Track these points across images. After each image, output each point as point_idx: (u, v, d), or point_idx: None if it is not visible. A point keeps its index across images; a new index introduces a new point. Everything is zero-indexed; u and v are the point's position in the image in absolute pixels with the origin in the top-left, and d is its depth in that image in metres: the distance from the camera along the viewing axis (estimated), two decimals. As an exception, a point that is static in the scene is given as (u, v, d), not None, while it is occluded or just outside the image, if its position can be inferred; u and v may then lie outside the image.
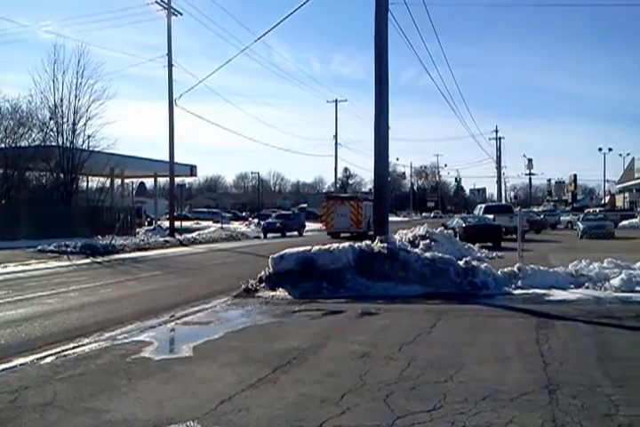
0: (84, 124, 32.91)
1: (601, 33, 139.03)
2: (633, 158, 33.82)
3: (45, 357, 6.89)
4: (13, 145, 32.16)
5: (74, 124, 32.54)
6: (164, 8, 31.02)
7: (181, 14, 32.37)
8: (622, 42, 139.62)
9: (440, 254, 12.29)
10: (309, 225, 50.17)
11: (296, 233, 39.69)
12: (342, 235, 32.80)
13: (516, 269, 11.84)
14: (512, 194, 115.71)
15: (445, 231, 21.27)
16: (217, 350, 7.10)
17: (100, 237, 26.88)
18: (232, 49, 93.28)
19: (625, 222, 42.76)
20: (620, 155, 77.25)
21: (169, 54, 31.31)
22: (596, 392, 5.04)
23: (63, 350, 7.19)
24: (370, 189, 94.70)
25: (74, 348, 7.34)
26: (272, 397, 5.20)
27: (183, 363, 6.50)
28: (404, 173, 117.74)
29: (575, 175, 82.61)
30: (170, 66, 31.23)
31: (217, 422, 4.60)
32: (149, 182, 63.91)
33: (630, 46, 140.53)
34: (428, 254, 12.17)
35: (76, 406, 5.07)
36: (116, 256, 22.54)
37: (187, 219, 55.08)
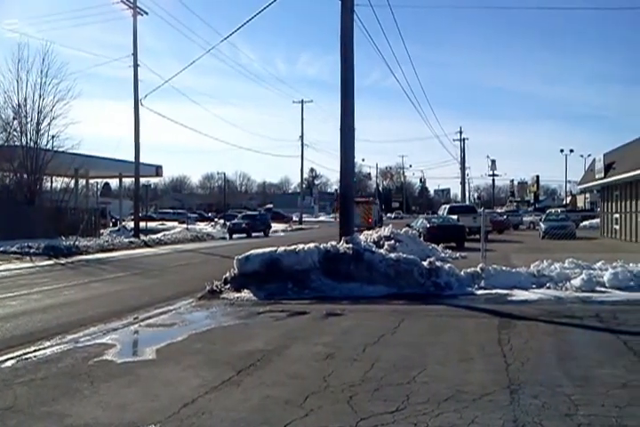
0: (49, 124, 32.22)
1: (565, 35, 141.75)
2: (593, 159, 34.50)
3: (6, 360, 6.77)
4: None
5: (38, 123, 31.84)
6: (130, 7, 30.61)
7: (147, 14, 32.00)
8: (586, 45, 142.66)
9: (404, 255, 12.39)
10: (276, 226, 50.11)
11: (262, 234, 39.55)
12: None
13: (478, 269, 12.00)
14: (476, 195, 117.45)
15: (410, 232, 21.44)
16: (180, 352, 7.04)
17: (63, 238, 26.39)
18: (198, 49, 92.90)
19: (586, 223, 43.76)
20: (582, 156, 78.97)
21: (134, 54, 30.91)
22: (557, 392, 5.14)
23: (24, 354, 7.06)
24: (335, 190, 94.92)
25: (35, 351, 7.21)
26: (235, 399, 5.18)
27: (146, 366, 6.43)
28: (369, 174, 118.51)
29: (537, 176, 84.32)
30: (135, 66, 30.85)
31: (180, 425, 4.56)
32: (114, 183, 62.97)
33: (592, 50, 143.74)
34: (392, 255, 12.26)
35: (36, 411, 4.97)
36: (80, 257, 22.18)
37: (152, 220, 54.47)
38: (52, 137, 32.73)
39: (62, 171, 33.45)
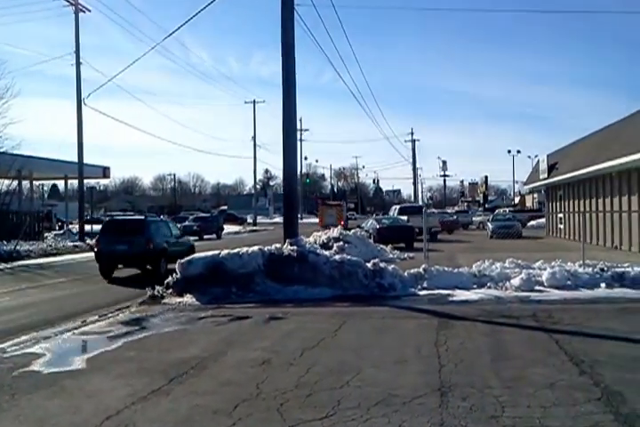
0: (-14, 125, 31.12)
1: (513, 36, 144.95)
2: (538, 160, 35.34)
3: None
4: None
5: (-25, 124, 30.70)
6: (72, 4, 29.83)
7: (90, 11, 31.22)
8: (532, 46, 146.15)
9: (349, 257, 12.39)
10: (230, 227, 49.71)
11: (214, 236, 39.11)
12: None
13: (421, 270, 12.09)
14: (428, 195, 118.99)
15: (359, 233, 21.53)
16: (112, 361, 6.83)
17: (4, 242, 25.50)
18: (146, 47, 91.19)
19: (533, 222, 44.77)
20: (529, 157, 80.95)
21: (77, 52, 30.12)
22: (486, 394, 5.16)
23: (-56, 366, 6.72)
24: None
25: (-43, 363, 6.88)
26: (163, 410, 5.03)
27: (74, 376, 6.21)
28: (323, 175, 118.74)
29: (486, 177, 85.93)
30: (78, 64, 30.06)
31: (100, 439, 4.40)
32: (62, 184, 61.41)
33: (538, 51, 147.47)
34: (337, 257, 12.24)
35: (-53, 429, 4.73)
36: (21, 262, 21.49)
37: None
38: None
39: (2, 172, 32.30)
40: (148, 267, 16.10)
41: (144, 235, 15.96)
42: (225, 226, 46.41)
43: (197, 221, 40.08)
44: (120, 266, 16.31)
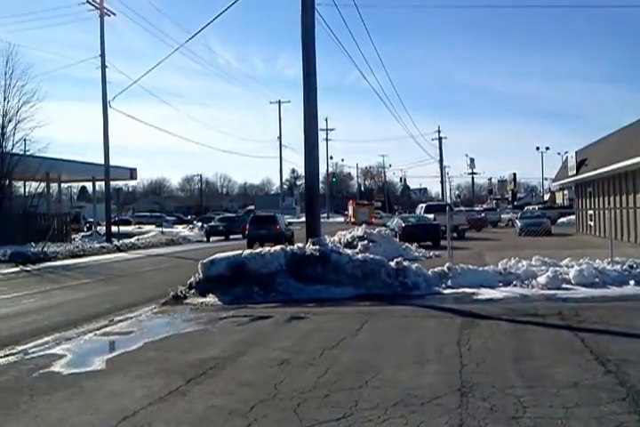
0: (14, 128, 31.69)
1: (541, 33, 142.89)
2: (567, 157, 34.78)
3: (-53, 375, 6.50)
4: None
5: (3, 127, 31.23)
6: (97, 8, 30.19)
7: (114, 14, 31.62)
8: (560, 43, 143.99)
9: (372, 256, 12.27)
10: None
11: (240, 236, 39.22)
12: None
13: (445, 268, 11.92)
14: (456, 193, 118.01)
15: (383, 231, 21.38)
16: (132, 361, 6.83)
17: (32, 244, 25.93)
18: (170, 50, 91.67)
19: (563, 219, 44.03)
20: (559, 153, 79.72)
21: (102, 55, 30.49)
22: (507, 394, 5.02)
23: (-32, 367, 6.79)
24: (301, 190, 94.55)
25: (-20, 364, 6.96)
26: (179, 410, 4.99)
27: (93, 377, 6.22)
28: (350, 174, 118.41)
29: (514, 174, 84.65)
30: (103, 67, 30.45)
31: (115, 440, 4.38)
32: (91, 186, 62.24)
33: (567, 47, 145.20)
34: (359, 256, 12.13)
35: (-34, 429, 4.76)
36: (48, 264, 21.79)
37: (128, 223, 53.93)
38: (24, 140, 32.25)
39: (31, 175, 32.87)
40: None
41: (275, 224, 27.24)
42: (252, 226, 46.49)
43: (223, 222, 40.25)
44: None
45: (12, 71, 31.46)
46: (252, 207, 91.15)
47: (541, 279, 11.17)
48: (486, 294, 10.69)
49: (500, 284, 11.40)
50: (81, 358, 7.14)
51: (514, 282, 11.38)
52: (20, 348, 7.76)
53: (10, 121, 31.46)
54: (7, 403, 5.35)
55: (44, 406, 5.26)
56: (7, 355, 7.38)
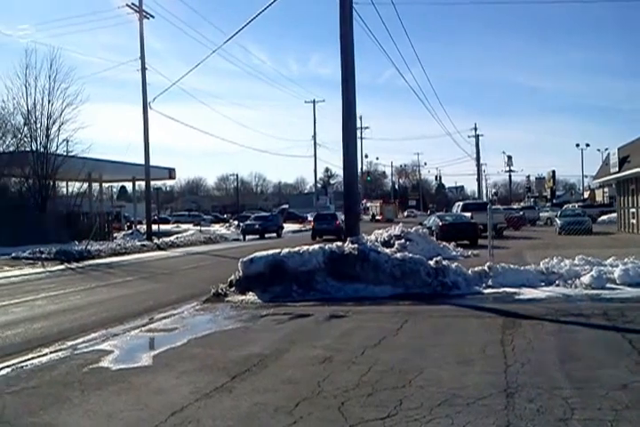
0: (58, 129, 32.48)
1: (579, 28, 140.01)
2: (608, 154, 34.04)
3: (1, 369, 6.71)
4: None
5: (47, 129, 32.08)
6: (136, 11, 30.70)
7: (153, 17, 32.12)
8: (600, 38, 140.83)
9: (410, 255, 12.22)
10: (291, 226, 50.11)
11: (275, 235, 39.47)
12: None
13: (486, 267, 11.80)
14: (493, 191, 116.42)
15: (421, 230, 21.24)
16: (177, 358, 6.96)
17: (76, 242, 26.54)
18: (207, 51, 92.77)
19: (604, 217, 43.14)
20: (599, 150, 78.07)
21: (142, 58, 31.00)
22: (554, 395, 4.98)
23: (21, 362, 7.01)
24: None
25: (32, 359, 7.17)
26: (225, 407, 5.08)
27: (141, 372, 6.36)
28: (384, 172, 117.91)
29: (553, 171, 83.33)
30: (143, 69, 30.93)
31: (165, 435, 4.48)
32: (131, 186, 63.41)
33: (613, 42, 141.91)
34: (398, 255, 12.10)
35: (22, 421, 4.93)
36: (91, 262, 22.24)
37: (166, 222, 54.72)
38: (65, 141, 33.03)
39: (74, 175, 33.67)
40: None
41: (335, 220, 32.86)
42: (286, 224, 46.81)
43: (258, 220, 40.49)
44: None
45: (55, 74, 32.34)
46: (286, 206, 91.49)
47: (585, 279, 10.97)
48: (528, 293, 10.56)
49: (543, 283, 11.24)
50: (128, 354, 7.31)
51: (556, 282, 11.21)
52: (69, 343, 7.97)
53: (54, 123, 32.33)
54: (60, 397, 5.51)
55: (95, 400, 5.41)
56: (57, 350, 7.59)
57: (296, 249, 12.15)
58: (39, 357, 7.27)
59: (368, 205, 75.73)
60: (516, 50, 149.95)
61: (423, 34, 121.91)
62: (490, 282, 11.40)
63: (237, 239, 37.14)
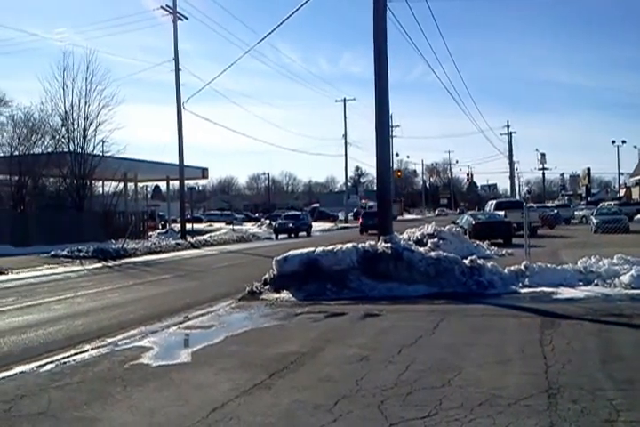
0: (95, 130, 33.17)
1: (610, 24, 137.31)
2: (646, 151, 33.33)
3: (45, 364, 6.87)
4: (27, 152, 32.47)
5: (84, 130, 32.73)
6: (170, 13, 31.06)
7: (187, 18, 32.45)
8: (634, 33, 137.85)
9: (445, 253, 12.14)
10: (322, 225, 50.18)
11: (304, 233, 39.56)
12: None
13: (522, 267, 11.66)
14: (526, 189, 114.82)
15: (454, 229, 21.09)
16: (215, 354, 7.04)
17: (113, 241, 27.02)
18: (238, 51, 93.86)
19: (641, 215, 42.21)
20: (635, 147, 76.54)
21: (176, 59, 31.34)
22: (598, 396, 4.90)
23: (64, 358, 7.17)
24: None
25: (74, 355, 7.33)
26: (265, 404, 5.12)
27: (180, 369, 6.45)
28: (415, 171, 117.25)
29: (589, 169, 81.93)
30: (177, 70, 31.28)
31: (207, 431, 4.54)
32: (165, 185, 64.27)
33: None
34: (432, 254, 12.03)
35: (68, 415, 5.03)
36: (128, 260, 22.62)
37: (199, 221, 55.25)
38: (101, 142, 33.64)
39: (110, 175, 34.28)
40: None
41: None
42: (317, 223, 46.90)
43: (289, 219, 40.58)
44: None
45: (92, 76, 33.01)
46: (317, 205, 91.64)
47: (625, 278, 10.77)
48: (566, 293, 10.40)
49: (580, 283, 11.06)
50: (167, 351, 7.42)
51: (595, 281, 11.01)
52: (109, 340, 8.13)
53: (91, 124, 33.02)
54: (103, 393, 5.61)
55: (137, 396, 5.50)
56: (98, 346, 7.74)
57: (330, 248, 12.17)
58: (81, 353, 7.42)
59: (370, 204, 75.71)
60: (551, 45, 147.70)
61: (455, 29, 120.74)
62: (526, 281, 11.27)
63: (269, 238, 37.34)
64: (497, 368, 5.95)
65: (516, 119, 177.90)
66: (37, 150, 33.42)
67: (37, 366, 6.78)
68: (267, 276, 12.12)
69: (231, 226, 45.30)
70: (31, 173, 31.73)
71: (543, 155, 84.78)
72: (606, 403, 4.72)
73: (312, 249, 12.26)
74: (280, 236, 37.70)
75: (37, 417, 5.00)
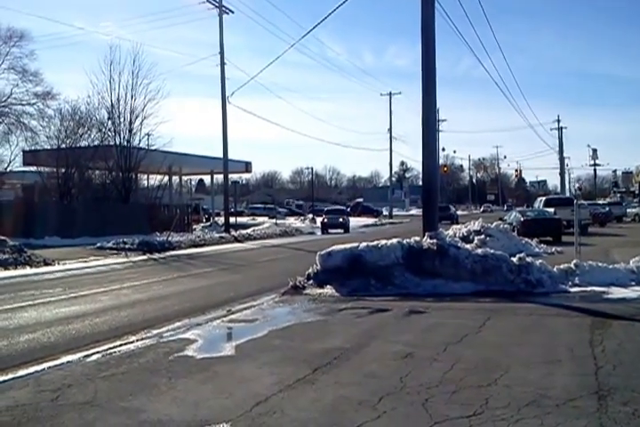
0: (141, 124, 33.70)
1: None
2: None
3: (92, 354, 6.99)
4: (74, 145, 33.20)
5: (130, 123, 33.32)
6: (216, 6, 31.32)
7: (233, 12, 32.67)
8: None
9: (492, 251, 11.92)
10: (365, 220, 49.96)
11: (342, 230, 39.25)
12: None
13: (572, 265, 11.37)
14: (576, 186, 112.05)
15: (501, 226, 20.71)
16: (259, 348, 7.06)
17: (157, 233, 27.44)
18: (283, 44, 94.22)
19: (698, 214, 40.75)
20: (692, 143, 73.76)
21: (221, 53, 31.63)
22: (651, 399, 4.73)
23: (110, 348, 7.28)
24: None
25: (120, 345, 7.44)
26: (309, 399, 5.11)
27: (224, 362, 6.49)
28: (461, 166, 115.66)
29: (642, 165, 79.26)
30: (222, 64, 31.57)
31: (250, 424, 4.54)
32: (208, 179, 65.05)
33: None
34: (479, 251, 11.83)
35: (113, 406, 5.10)
36: (172, 253, 22.95)
37: (243, 215, 55.72)
38: (147, 135, 34.21)
39: (155, 169, 34.81)
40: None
41: (449, 209, 41.26)
42: (360, 218, 46.61)
43: (332, 214, 40.31)
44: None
45: (138, 70, 33.54)
46: (360, 200, 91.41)
47: (680, 279, 10.40)
48: (617, 293, 10.10)
49: (633, 283, 10.73)
50: (211, 344, 7.49)
51: (648, 281, 10.67)
52: (154, 332, 8.24)
53: (136, 117, 33.57)
54: (148, 384, 5.69)
55: (182, 388, 5.55)
56: (144, 338, 7.85)
57: (374, 243, 12.09)
58: (127, 344, 7.53)
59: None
60: (605, 38, 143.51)
61: (505, 22, 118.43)
62: (576, 280, 10.98)
63: (312, 233, 37.33)
64: (545, 368, 5.80)
65: (567, 114, 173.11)
66: (84, 143, 34.11)
67: (84, 356, 6.91)
68: (310, 270, 12.12)
69: (274, 220, 45.53)
70: (78, 165, 32.43)
71: (595, 151, 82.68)
72: (660, 407, 4.55)
73: (356, 244, 12.20)
74: (319, 231, 37.43)
75: (83, 407, 5.08)
